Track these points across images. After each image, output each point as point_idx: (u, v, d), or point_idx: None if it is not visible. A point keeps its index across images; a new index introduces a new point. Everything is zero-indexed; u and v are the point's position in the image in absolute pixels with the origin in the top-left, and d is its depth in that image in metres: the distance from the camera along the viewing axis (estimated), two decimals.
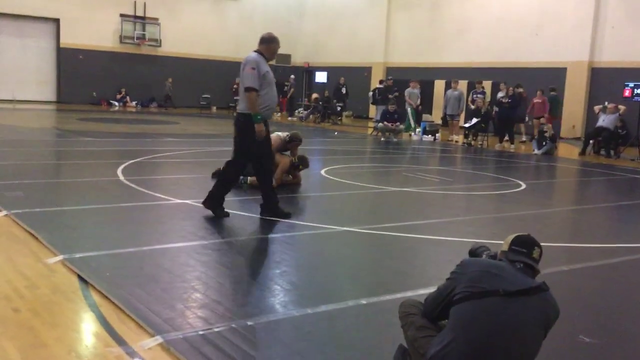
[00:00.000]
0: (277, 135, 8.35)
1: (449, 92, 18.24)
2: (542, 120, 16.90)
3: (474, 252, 2.89)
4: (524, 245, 2.62)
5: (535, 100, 17.55)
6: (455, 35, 23.98)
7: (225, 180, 6.32)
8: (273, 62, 31.41)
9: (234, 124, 6.31)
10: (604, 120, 15.53)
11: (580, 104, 20.14)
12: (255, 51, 6.12)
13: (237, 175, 6.55)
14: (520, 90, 17.76)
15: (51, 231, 5.26)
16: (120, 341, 3.19)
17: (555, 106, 18.15)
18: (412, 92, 19.11)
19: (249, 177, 7.82)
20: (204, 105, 27.96)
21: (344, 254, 5.34)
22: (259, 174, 6.40)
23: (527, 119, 18.22)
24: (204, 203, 6.32)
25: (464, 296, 2.43)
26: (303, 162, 8.48)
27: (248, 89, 5.91)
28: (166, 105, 27.50)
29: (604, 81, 19.35)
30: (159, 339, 3.21)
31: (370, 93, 23.63)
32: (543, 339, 2.47)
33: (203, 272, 4.43)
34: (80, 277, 4.13)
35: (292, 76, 27.62)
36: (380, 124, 17.79)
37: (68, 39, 26.22)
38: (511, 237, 2.69)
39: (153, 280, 4.17)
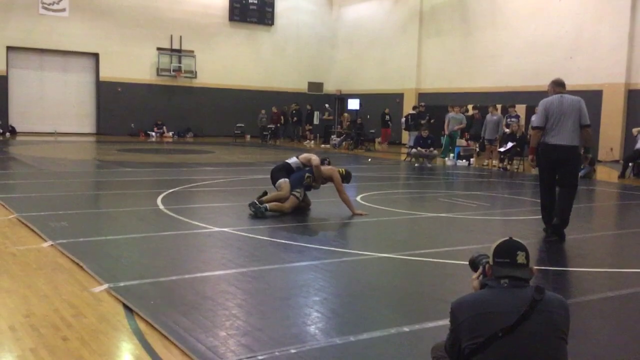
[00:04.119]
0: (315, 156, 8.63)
1: (488, 116, 18.07)
2: None
3: (474, 262, 2.82)
4: (506, 254, 2.49)
5: None
6: (487, 60, 23.96)
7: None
8: (306, 91, 31.91)
9: (564, 157, 7.04)
10: None
11: (617, 126, 19.83)
12: (564, 92, 7.20)
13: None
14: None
15: (96, 260, 5.38)
16: None
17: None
18: (453, 118, 18.96)
19: (267, 205, 7.95)
20: (238, 134, 28.37)
21: (384, 281, 5.32)
22: (568, 194, 7.17)
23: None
24: (556, 234, 7.11)
25: (472, 350, 2.37)
26: (347, 177, 8.65)
27: (589, 126, 7.13)
28: (265, 138, 27.25)
29: None
30: None
31: (403, 119, 23.74)
32: (566, 343, 2.40)
33: (244, 300, 4.48)
34: (125, 306, 4.22)
35: (327, 105, 27.91)
36: (414, 150, 17.77)
37: (107, 73, 27.07)
38: (493, 246, 2.56)
39: (196, 308, 4.23)
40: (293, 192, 8.19)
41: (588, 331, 4.09)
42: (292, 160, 8.59)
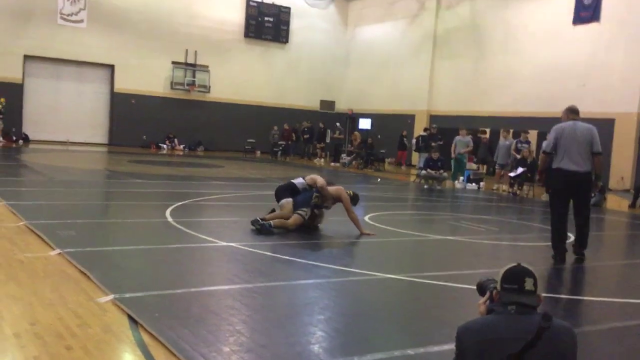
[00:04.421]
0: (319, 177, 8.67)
1: (501, 141, 18.08)
2: None
3: (482, 286, 2.81)
4: (514, 280, 2.47)
5: None
6: (499, 85, 23.99)
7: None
8: (317, 109, 32.14)
9: (579, 182, 7.27)
10: None
11: (629, 155, 19.73)
12: (578, 119, 7.41)
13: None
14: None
15: (102, 270, 5.39)
16: None
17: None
18: (460, 141, 18.98)
19: (272, 222, 7.96)
20: (248, 149, 28.50)
21: (389, 302, 5.30)
22: (586, 214, 7.49)
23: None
24: (578, 253, 7.48)
25: None
26: (355, 199, 8.64)
27: (601, 154, 7.37)
28: (275, 154, 27.32)
29: None
30: None
31: (414, 140, 23.79)
32: None
33: (249, 316, 4.46)
34: (130, 317, 4.21)
35: (338, 123, 28.00)
36: (424, 172, 17.75)
37: (122, 84, 27.33)
38: (502, 272, 2.54)
39: (200, 322, 4.22)
40: (298, 211, 8.18)
41: None
42: (298, 180, 8.62)
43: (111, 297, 4.63)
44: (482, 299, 2.71)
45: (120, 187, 12.98)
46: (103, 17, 26.47)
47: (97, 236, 7.28)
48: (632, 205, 15.05)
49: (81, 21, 26.22)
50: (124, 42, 26.98)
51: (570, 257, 7.50)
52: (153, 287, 5.02)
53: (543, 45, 22.44)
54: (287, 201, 8.33)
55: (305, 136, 28.02)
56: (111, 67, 27.34)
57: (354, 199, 8.60)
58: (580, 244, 7.52)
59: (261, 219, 7.96)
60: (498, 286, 2.53)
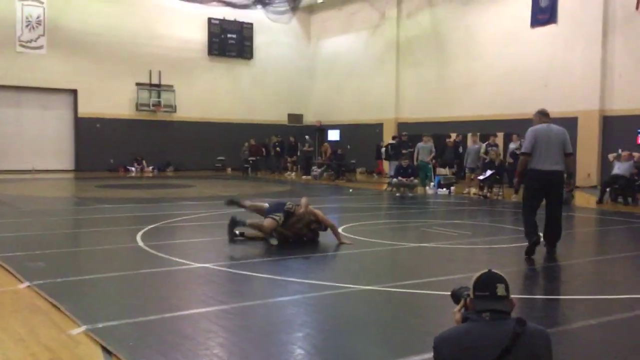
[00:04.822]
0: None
1: (470, 145, 18.33)
2: None
3: (456, 294, 2.84)
4: (486, 287, 2.51)
5: None
6: (464, 90, 24.32)
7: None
8: (286, 122, 32.18)
9: (554, 181, 7.67)
10: (619, 168, 15.47)
11: (593, 152, 20.13)
12: (549, 121, 7.80)
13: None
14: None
15: (73, 301, 5.26)
16: None
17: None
18: (423, 147, 19.18)
19: (247, 220, 8.31)
20: (218, 167, 28.30)
21: (367, 314, 5.27)
22: (559, 211, 7.86)
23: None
24: (550, 245, 7.78)
25: None
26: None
27: (572, 154, 7.94)
28: (244, 170, 27.20)
29: (617, 129, 19.39)
30: None
31: (383, 149, 23.92)
32: None
33: (225, 338, 4.40)
34: (103, 348, 4.11)
35: (307, 136, 28.01)
36: (395, 180, 17.85)
37: (86, 109, 26.97)
38: (473, 279, 2.57)
39: (176, 348, 4.14)
40: (272, 216, 8.38)
41: None
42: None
43: (83, 328, 4.52)
44: (457, 307, 2.72)
45: (89, 213, 12.75)
46: (63, 42, 26.13)
47: (67, 266, 7.12)
48: (600, 201, 15.33)
49: (41, 47, 25.86)
50: (86, 66, 26.66)
51: (543, 257, 7.58)
52: (126, 315, 4.91)
53: (504, 48, 22.85)
54: (265, 201, 9.28)
55: (277, 149, 27.97)
56: (74, 92, 26.97)
57: None
58: (551, 241, 7.80)
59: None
60: (471, 294, 2.54)
